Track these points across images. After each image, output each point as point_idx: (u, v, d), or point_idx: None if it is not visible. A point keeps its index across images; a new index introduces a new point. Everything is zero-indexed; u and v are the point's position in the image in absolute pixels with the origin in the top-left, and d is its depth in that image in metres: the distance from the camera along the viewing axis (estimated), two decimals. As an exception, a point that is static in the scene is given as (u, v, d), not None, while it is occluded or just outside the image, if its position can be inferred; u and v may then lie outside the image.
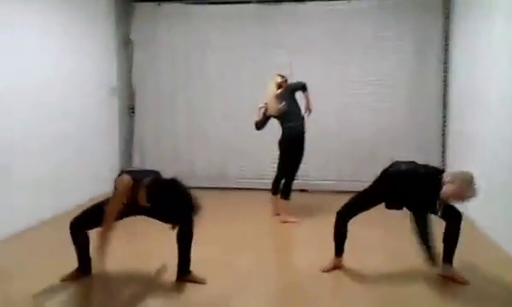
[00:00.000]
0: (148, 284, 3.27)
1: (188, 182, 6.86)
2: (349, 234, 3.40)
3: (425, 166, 3.21)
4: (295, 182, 4.95)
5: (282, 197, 4.90)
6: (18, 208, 4.37)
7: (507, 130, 3.93)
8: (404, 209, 3.23)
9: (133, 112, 6.74)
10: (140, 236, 4.16)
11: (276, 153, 5.00)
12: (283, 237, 4.58)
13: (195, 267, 3.30)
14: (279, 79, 4.94)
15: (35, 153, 4.66)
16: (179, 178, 3.02)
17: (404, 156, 5.76)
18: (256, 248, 4.08)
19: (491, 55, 4.32)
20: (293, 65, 6.11)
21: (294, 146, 4.79)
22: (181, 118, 6.58)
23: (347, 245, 3.44)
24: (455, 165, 5.56)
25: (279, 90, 4.87)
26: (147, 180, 2.96)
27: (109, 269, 3.47)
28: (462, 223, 3.19)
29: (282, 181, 4.94)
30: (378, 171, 3.34)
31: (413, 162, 3.26)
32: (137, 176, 2.99)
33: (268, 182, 5.27)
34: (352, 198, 3.41)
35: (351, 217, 3.37)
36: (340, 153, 6.26)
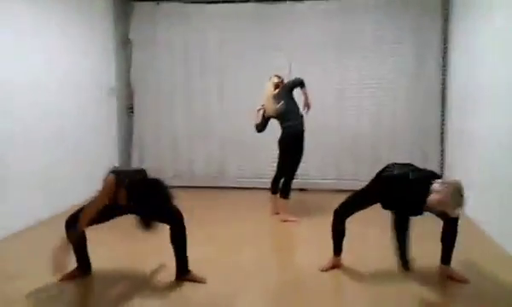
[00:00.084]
0: (148, 283, 3.27)
1: (187, 181, 6.94)
2: (347, 233, 3.40)
3: (419, 171, 3.14)
4: (295, 181, 4.96)
5: (281, 196, 4.91)
6: (15, 208, 4.37)
7: (505, 129, 3.94)
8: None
9: (132, 112, 6.73)
10: (139, 236, 4.15)
11: (276, 152, 5.00)
12: (283, 236, 4.59)
13: (195, 266, 3.30)
14: (276, 80, 4.95)
15: (31, 153, 4.65)
16: (162, 179, 3.04)
17: (404, 156, 5.87)
18: (255, 247, 4.09)
19: (493, 53, 4.32)
20: (292, 64, 6.14)
21: (294, 145, 4.80)
22: (180, 117, 6.59)
23: (346, 243, 3.44)
24: (453, 165, 5.58)
25: (276, 90, 4.88)
26: (127, 180, 2.97)
27: (108, 268, 3.49)
28: (460, 221, 3.19)
29: (282, 180, 4.94)
30: (377, 171, 3.34)
31: (408, 165, 3.24)
32: (121, 176, 3.00)
33: (267, 181, 5.28)
34: (349, 197, 3.42)
35: (348, 216, 3.38)
36: (340, 152, 6.27)
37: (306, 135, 4.86)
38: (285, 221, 4.81)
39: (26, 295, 3.05)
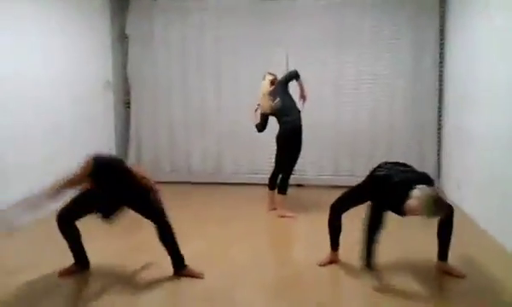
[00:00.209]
0: (146, 278, 3.27)
1: (184, 176, 6.93)
2: (344, 228, 3.42)
3: (408, 173, 3.13)
4: (292, 176, 4.96)
5: (279, 192, 4.91)
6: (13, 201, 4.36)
7: (502, 125, 3.96)
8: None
9: (129, 107, 6.72)
10: (137, 230, 4.16)
11: (272, 147, 5.01)
12: (280, 232, 4.60)
13: (192, 261, 3.31)
14: (270, 77, 4.95)
15: (29, 147, 4.65)
16: (125, 161, 3.13)
17: (400, 151, 5.90)
18: (253, 242, 4.09)
19: (490, 50, 4.32)
20: (289, 56, 6.14)
21: (292, 140, 4.79)
22: (177, 112, 6.57)
23: (343, 239, 3.46)
24: (450, 161, 5.61)
25: (271, 87, 4.88)
26: (95, 160, 3.00)
27: (106, 263, 3.50)
28: (455, 215, 3.20)
29: (280, 176, 4.95)
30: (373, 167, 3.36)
31: (400, 165, 3.24)
32: (99, 161, 3.03)
33: (264, 177, 5.28)
34: (345, 192, 3.44)
35: (344, 211, 3.40)
36: (337, 148, 6.28)
37: (303, 130, 4.86)
38: (282, 216, 4.82)
39: (25, 290, 3.05)
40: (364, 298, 2.99)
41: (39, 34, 4.84)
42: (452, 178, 5.46)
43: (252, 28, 6.30)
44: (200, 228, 4.46)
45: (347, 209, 3.38)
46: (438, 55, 5.95)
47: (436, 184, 5.24)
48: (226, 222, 4.73)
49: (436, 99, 6.01)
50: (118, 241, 4.02)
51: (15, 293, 3.02)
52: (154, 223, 3.18)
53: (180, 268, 3.26)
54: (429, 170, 5.89)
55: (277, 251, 4.19)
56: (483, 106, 4.45)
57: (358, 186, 3.36)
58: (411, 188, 2.85)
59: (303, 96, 4.90)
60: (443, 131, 5.98)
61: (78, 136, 5.52)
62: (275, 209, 4.97)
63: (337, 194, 3.49)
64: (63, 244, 3.26)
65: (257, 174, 6.29)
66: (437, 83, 5.99)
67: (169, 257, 3.26)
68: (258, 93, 4.97)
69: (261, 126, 5.02)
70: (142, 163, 6.53)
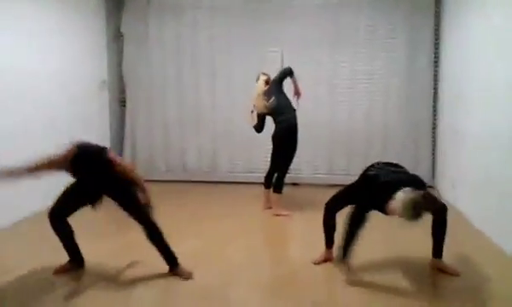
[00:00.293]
0: (141, 276, 3.26)
1: (179, 175, 6.92)
2: (338, 227, 3.42)
3: (399, 174, 3.15)
4: (287, 175, 4.97)
5: (274, 191, 4.91)
6: (9, 200, 4.33)
7: (496, 124, 3.98)
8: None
9: (124, 106, 6.70)
10: (131, 229, 4.15)
11: (268, 146, 5.01)
12: (275, 230, 4.60)
13: (187, 260, 3.31)
14: (265, 77, 4.95)
15: (23, 145, 4.61)
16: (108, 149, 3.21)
17: (395, 150, 5.92)
18: (248, 241, 4.10)
19: (485, 49, 4.33)
20: (284, 58, 6.14)
21: (288, 139, 4.80)
22: (172, 110, 6.56)
23: (338, 237, 3.46)
24: (445, 159, 5.63)
25: (266, 87, 4.88)
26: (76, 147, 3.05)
27: (101, 261, 3.49)
28: (450, 214, 3.22)
29: (275, 175, 4.95)
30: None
31: (392, 165, 3.26)
32: (81, 149, 3.07)
33: (259, 176, 5.28)
34: (339, 191, 3.45)
35: (338, 210, 3.41)
36: (332, 147, 6.29)
37: (299, 129, 4.87)
38: (277, 215, 4.83)
39: (19, 288, 3.04)
40: (359, 296, 3.00)
41: (36, 34, 4.85)
42: (447, 177, 5.48)
43: (246, 27, 6.30)
44: (195, 227, 4.46)
45: (341, 208, 3.39)
46: (433, 55, 5.97)
47: (429, 185, 5.27)
48: (222, 220, 4.73)
49: (431, 98, 6.04)
50: (112, 240, 4.02)
51: (10, 292, 3.02)
52: (140, 223, 3.17)
53: (173, 266, 3.26)
54: (424, 169, 5.93)
55: (273, 249, 4.19)
56: (478, 105, 4.47)
57: (352, 185, 3.38)
58: (397, 189, 2.86)
59: (297, 93, 4.91)
60: (438, 130, 6.00)
61: (74, 135, 5.48)
62: (270, 208, 4.98)
63: (332, 192, 3.49)
64: (57, 242, 3.25)
65: (252, 173, 6.30)
66: (432, 82, 6.01)
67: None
68: (253, 93, 4.97)
69: (259, 127, 5.02)
70: (137, 161, 6.52)
